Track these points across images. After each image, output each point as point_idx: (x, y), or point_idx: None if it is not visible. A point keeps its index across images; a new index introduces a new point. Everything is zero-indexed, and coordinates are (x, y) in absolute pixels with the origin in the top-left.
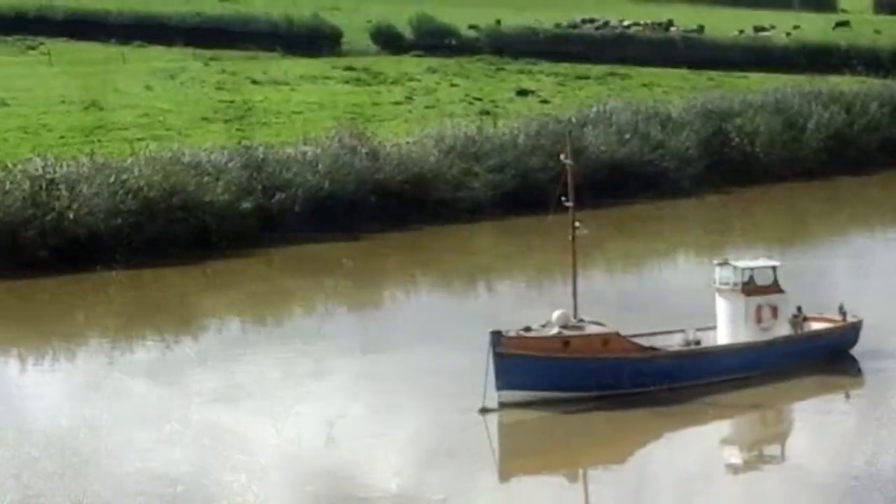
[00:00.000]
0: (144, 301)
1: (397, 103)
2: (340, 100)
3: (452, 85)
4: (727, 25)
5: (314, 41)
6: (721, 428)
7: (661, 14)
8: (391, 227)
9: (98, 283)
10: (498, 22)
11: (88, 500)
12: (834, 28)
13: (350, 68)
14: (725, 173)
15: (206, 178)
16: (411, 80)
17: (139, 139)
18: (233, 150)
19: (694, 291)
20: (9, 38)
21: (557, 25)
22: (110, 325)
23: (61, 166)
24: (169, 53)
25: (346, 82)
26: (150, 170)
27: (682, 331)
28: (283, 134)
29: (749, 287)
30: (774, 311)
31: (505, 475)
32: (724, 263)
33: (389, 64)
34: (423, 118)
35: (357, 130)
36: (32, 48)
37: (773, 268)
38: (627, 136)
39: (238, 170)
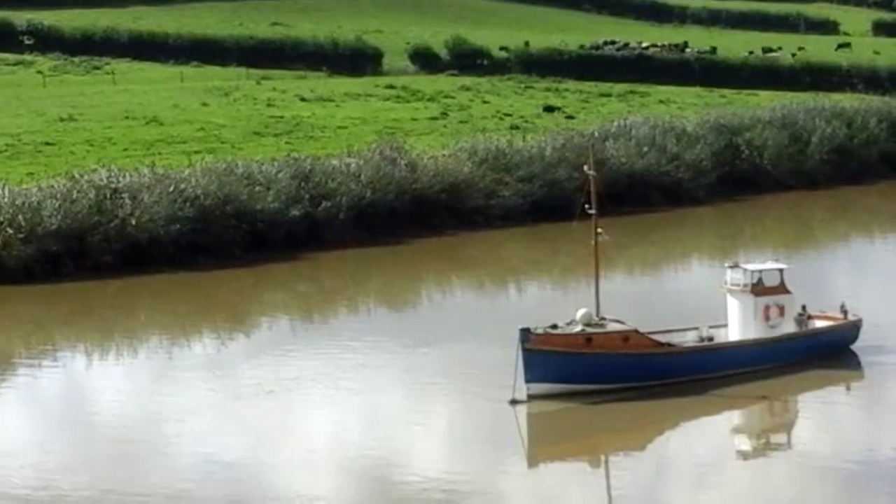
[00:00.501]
0: (200, 301)
1: (433, 119)
2: (381, 115)
3: (484, 102)
4: (738, 47)
5: (357, 62)
6: (732, 417)
7: (677, 36)
8: (428, 233)
9: (158, 285)
10: (527, 44)
11: (150, 483)
12: (836, 49)
13: (390, 86)
14: (736, 183)
15: (257, 188)
16: (446, 97)
17: (196, 152)
18: (282, 162)
19: (707, 292)
20: (76, 59)
21: (581, 47)
22: (169, 323)
23: (124, 177)
24: (224, 73)
25: (387, 99)
26: (206, 180)
27: (696, 328)
28: (328, 147)
29: (758, 288)
30: (781, 310)
31: (533, 461)
32: (735, 266)
33: (426, 82)
34: (457, 132)
35: (396, 144)
36: (98, 68)
37: (780, 270)
38: (646, 148)
39: (287, 180)
